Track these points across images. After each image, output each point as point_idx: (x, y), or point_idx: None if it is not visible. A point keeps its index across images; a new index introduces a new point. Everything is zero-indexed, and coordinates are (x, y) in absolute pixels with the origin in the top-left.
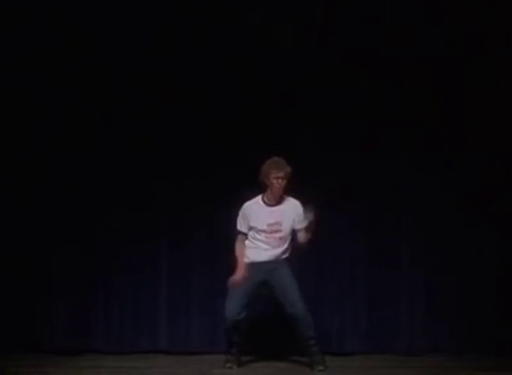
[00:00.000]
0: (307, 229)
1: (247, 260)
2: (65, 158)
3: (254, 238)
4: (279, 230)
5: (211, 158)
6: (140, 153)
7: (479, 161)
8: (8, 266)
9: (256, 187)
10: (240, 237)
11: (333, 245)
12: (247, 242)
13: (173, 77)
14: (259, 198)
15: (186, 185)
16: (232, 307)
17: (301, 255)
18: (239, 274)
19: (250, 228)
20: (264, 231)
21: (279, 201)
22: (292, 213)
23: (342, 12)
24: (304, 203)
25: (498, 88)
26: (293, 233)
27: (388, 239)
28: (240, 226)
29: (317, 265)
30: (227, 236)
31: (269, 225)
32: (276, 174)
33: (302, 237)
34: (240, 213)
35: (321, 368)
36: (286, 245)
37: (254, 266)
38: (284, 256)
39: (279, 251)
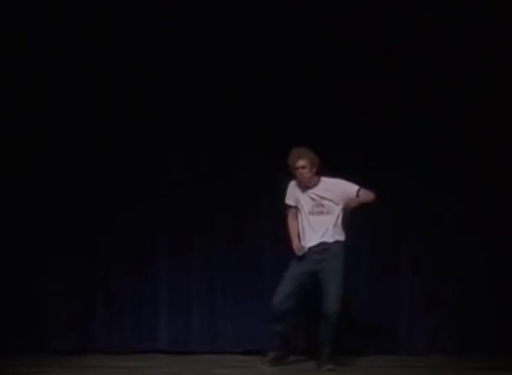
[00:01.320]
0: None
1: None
2: (65, 158)
3: (301, 221)
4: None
5: (212, 159)
6: (140, 153)
7: (479, 161)
8: (9, 266)
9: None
10: (290, 211)
11: None
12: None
13: (173, 77)
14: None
15: (187, 185)
16: (278, 294)
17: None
18: (295, 243)
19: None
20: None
21: (315, 184)
22: (331, 193)
23: (342, 12)
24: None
25: (498, 88)
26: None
27: (388, 239)
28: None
29: None
30: (227, 236)
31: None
32: (293, 166)
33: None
34: (289, 187)
35: (330, 367)
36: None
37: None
38: (333, 240)
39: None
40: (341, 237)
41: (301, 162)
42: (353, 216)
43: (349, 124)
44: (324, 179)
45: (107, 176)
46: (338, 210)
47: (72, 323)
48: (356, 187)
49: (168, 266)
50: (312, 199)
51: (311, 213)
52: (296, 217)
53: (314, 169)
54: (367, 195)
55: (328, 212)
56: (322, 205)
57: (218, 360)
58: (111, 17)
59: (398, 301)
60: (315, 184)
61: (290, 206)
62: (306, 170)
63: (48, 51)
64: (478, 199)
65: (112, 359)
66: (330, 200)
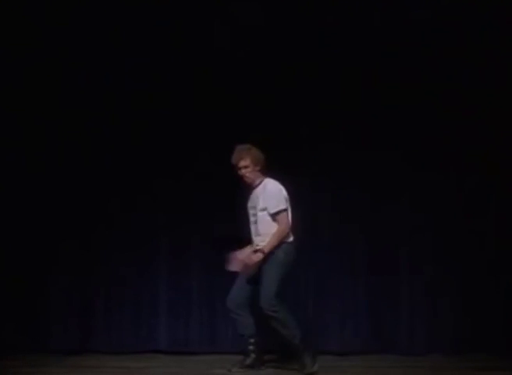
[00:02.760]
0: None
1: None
2: (65, 158)
3: None
4: (254, 214)
5: (212, 159)
6: (140, 153)
7: (480, 161)
8: (9, 266)
9: None
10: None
11: (333, 245)
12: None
13: (173, 77)
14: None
15: (187, 185)
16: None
17: (301, 254)
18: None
19: None
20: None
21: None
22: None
23: (342, 13)
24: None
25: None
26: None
27: (388, 239)
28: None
29: (317, 265)
30: (228, 236)
31: (249, 208)
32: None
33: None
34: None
35: (311, 370)
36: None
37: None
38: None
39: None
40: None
41: (243, 162)
42: (353, 216)
43: (349, 124)
44: (266, 180)
45: (107, 176)
46: (267, 215)
47: (73, 323)
48: (274, 210)
49: (168, 266)
50: (251, 200)
51: (251, 215)
52: None
53: (258, 168)
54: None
55: (257, 216)
56: (255, 208)
57: (218, 360)
58: (111, 17)
59: (398, 301)
60: (257, 185)
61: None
62: (244, 170)
63: (46, 50)
64: (477, 200)
65: (111, 359)
66: (256, 206)
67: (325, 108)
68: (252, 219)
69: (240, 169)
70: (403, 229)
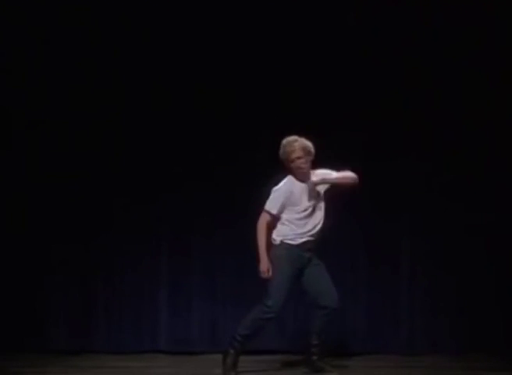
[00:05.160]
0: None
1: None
2: (65, 157)
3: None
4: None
5: (212, 159)
6: (140, 152)
7: (480, 160)
8: (9, 266)
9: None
10: None
11: (333, 245)
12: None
13: (172, 77)
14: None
15: (187, 185)
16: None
17: None
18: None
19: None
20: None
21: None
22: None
23: (344, 13)
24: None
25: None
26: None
27: (388, 239)
28: None
29: None
30: (227, 236)
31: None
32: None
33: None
34: None
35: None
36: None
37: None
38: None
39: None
40: (275, 236)
41: (296, 154)
42: (352, 216)
43: (349, 125)
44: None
45: (107, 175)
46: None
47: (72, 323)
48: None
49: (168, 266)
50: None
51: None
52: None
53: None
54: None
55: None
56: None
57: (218, 360)
58: (110, 16)
59: (398, 301)
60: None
61: None
62: (303, 160)
63: (46, 50)
64: (478, 200)
65: (111, 359)
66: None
67: (325, 108)
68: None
69: (292, 161)
70: (404, 228)
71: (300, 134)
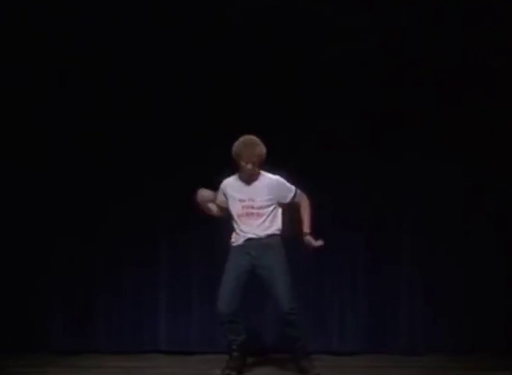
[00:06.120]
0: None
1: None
2: (66, 157)
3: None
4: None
5: (212, 159)
6: (140, 152)
7: (481, 158)
8: (8, 266)
9: None
10: None
11: (333, 245)
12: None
13: (172, 78)
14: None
15: (187, 185)
16: (224, 299)
17: (301, 254)
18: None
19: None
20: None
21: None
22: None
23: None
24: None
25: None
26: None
27: (388, 239)
28: None
29: (316, 265)
30: (227, 236)
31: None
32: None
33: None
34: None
35: (316, 372)
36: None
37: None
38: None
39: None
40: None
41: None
42: (352, 215)
43: (349, 125)
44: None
45: (108, 174)
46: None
47: (72, 323)
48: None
49: (168, 266)
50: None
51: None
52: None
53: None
54: None
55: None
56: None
57: (218, 360)
58: (110, 16)
59: (398, 301)
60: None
61: None
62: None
63: (46, 50)
64: (479, 198)
65: (111, 359)
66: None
67: (325, 110)
68: (248, 211)
69: (247, 163)
70: (404, 228)
71: (297, 134)
